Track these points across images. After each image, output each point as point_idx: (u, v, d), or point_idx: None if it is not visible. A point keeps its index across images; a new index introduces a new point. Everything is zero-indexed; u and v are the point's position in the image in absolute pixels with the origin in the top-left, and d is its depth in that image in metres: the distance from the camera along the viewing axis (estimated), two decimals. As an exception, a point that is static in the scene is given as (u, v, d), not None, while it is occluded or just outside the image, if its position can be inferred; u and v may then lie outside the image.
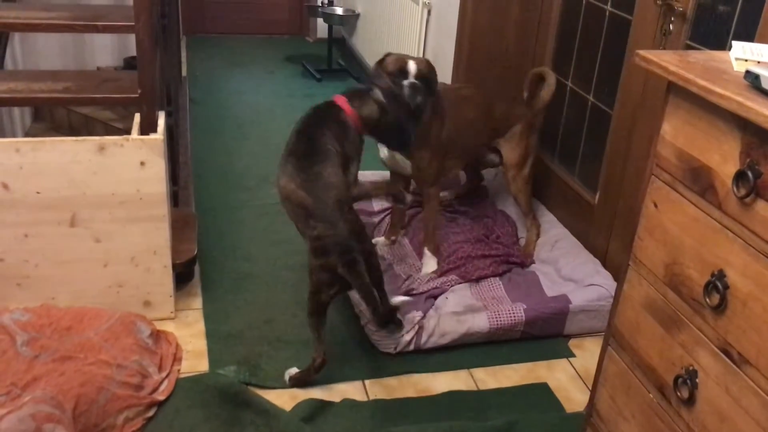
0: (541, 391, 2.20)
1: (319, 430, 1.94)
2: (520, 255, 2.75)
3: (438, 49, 3.47)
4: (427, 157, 2.54)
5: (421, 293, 2.47)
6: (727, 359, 1.07)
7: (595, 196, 2.76)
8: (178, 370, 2.13)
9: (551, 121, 3.12)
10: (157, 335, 2.21)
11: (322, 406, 2.03)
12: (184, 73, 4.57)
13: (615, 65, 2.59)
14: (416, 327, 2.30)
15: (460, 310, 2.40)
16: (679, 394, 1.16)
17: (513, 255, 2.73)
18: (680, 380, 1.15)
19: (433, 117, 2.51)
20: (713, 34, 2.11)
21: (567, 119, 3.00)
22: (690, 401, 1.14)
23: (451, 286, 2.54)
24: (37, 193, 2.10)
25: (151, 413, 1.97)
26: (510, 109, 2.78)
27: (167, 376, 2.09)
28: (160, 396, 2.02)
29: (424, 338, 2.32)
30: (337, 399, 2.08)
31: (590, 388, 1.47)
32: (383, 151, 2.63)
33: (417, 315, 2.34)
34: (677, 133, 1.16)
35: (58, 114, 3.98)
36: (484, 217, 3.00)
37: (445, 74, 3.36)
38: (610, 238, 2.63)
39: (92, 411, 1.87)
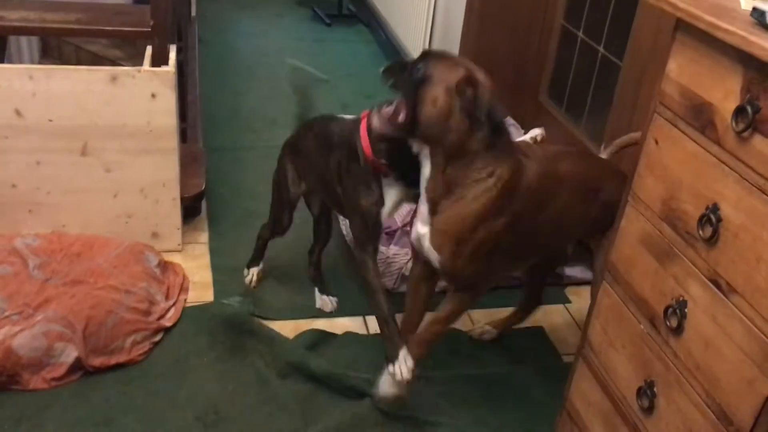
0: (537, 336, 2.26)
1: (321, 359, 2.00)
2: None
3: (448, 20, 3.45)
4: (464, 248, 1.61)
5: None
6: (715, 289, 1.11)
7: (601, 148, 2.77)
8: (185, 300, 2.19)
9: (561, 72, 3.13)
10: (165, 265, 2.27)
11: (325, 336, 2.10)
12: (193, 12, 4.55)
13: (627, 16, 2.58)
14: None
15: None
16: (668, 323, 1.21)
17: None
18: (670, 310, 1.20)
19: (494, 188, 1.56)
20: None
21: (576, 70, 3.00)
22: (678, 330, 1.19)
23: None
24: (50, 120, 2.13)
25: (158, 338, 2.04)
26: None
27: (174, 304, 2.15)
28: (166, 322, 2.08)
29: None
30: (339, 332, 2.15)
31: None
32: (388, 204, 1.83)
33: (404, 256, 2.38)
34: (682, 70, 1.18)
35: (67, 50, 3.97)
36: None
37: (455, 20, 3.35)
38: (612, 190, 2.67)
39: (101, 333, 1.93)
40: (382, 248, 2.35)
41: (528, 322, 2.28)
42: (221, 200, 2.74)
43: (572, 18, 3.00)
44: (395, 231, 2.54)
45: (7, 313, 1.91)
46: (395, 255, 2.37)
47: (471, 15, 3.20)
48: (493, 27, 3.19)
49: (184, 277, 2.28)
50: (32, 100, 2.10)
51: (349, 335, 2.14)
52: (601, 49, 2.80)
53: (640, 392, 1.29)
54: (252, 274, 2.31)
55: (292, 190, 2.16)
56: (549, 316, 2.35)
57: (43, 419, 1.75)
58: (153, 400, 1.85)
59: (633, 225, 1.33)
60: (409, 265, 2.34)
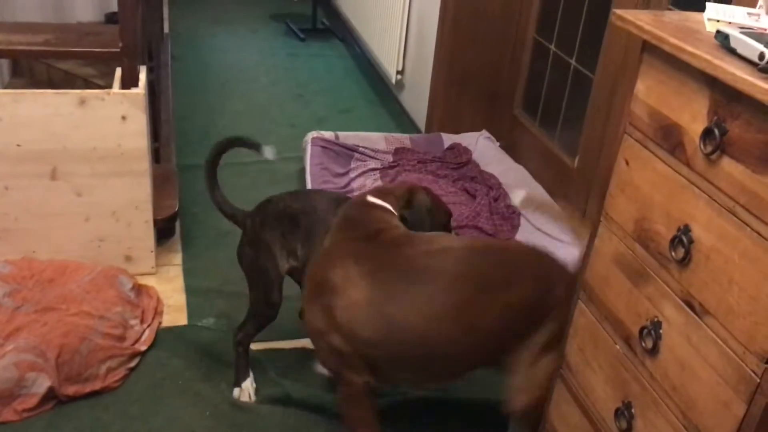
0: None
1: (297, 384, 1.98)
2: (506, 231, 2.72)
3: (423, 8, 3.45)
4: None
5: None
6: (689, 310, 1.11)
7: (575, 159, 2.79)
8: (159, 323, 2.16)
9: (534, 85, 3.15)
10: (139, 288, 2.23)
11: (302, 357, 2.08)
12: (166, 29, 4.52)
13: (598, 29, 2.61)
14: None
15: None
16: (643, 344, 1.20)
17: (501, 231, 2.70)
18: (645, 331, 1.20)
19: None
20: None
21: (549, 83, 3.02)
22: (654, 351, 1.19)
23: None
24: (18, 145, 2.10)
25: (133, 363, 2.01)
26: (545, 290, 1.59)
27: (148, 327, 2.12)
28: (141, 346, 2.05)
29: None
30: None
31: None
32: None
33: None
34: (650, 91, 1.19)
35: (38, 70, 3.92)
36: (467, 178, 3.03)
37: (429, 34, 3.35)
38: (588, 201, 2.68)
39: (75, 360, 1.90)
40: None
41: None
42: (195, 220, 2.71)
43: (544, 31, 3.02)
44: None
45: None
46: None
47: (444, 29, 3.21)
48: (467, 40, 3.20)
49: (159, 300, 2.25)
50: (-1, 125, 2.06)
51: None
52: (573, 62, 2.82)
53: (618, 413, 1.29)
54: (246, 389, 1.94)
55: (281, 266, 1.89)
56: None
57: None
58: (129, 426, 1.82)
59: (606, 245, 1.33)
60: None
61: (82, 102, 2.09)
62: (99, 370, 1.93)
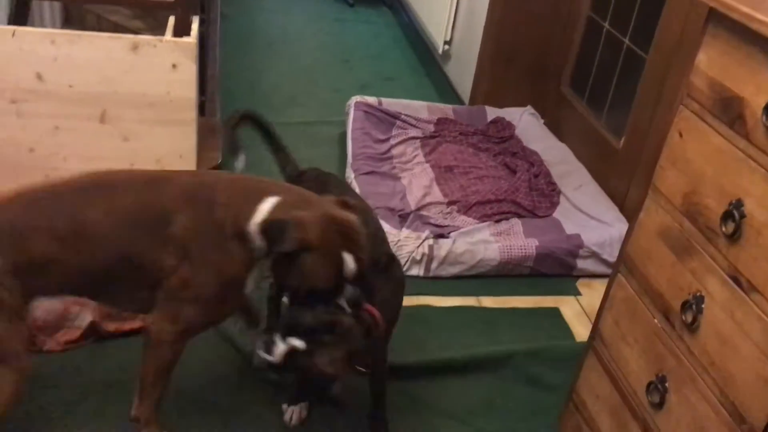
0: (551, 316, 2.27)
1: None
2: (545, 208, 2.69)
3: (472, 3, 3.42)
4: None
5: (436, 225, 2.50)
6: (735, 286, 1.09)
7: (620, 141, 2.75)
8: None
9: (584, 63, 3.10)
10: None
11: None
12: (217, -13, 4.52)
13: (655, 8, 2.55)
14: (425, 245, 2.33)
15: (473, 241, 2.43)
16: (683, 318, 1.19)
17: (539, 208, 2.69)
18: (686, 306, 1.19)
19: None
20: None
21: (600, 62, 2.97)
22: (693, 326, 1.18)
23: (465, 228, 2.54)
24: (70, 86, 2.13)
25: None
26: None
27: None
28: None
29: (434, 265, 2.36)
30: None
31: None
32: None
33: (426, 234, 2.37)
34: (712, 63, 1.16)
35: (89, 19, 3.97)
36: (508, 153, 3.00)
37: (480, 5, 3.31)
38: (630, 185, 2.64)
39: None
40: (393, 230, 2.35)
41: (544, 303, 2.32)
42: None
43: (599, 8, 2.96)
44: (408, 214, 2.53)
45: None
46: (407, 238, 2.36)
47: (496, 1, 3.16)
48: (518, 14, 3.16)
49: None
50: (53, 64, 2.09)
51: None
52: (626, 41, 2.76)
53: (650, 387, 1.28)
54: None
55: None
56: (559, 305, 2.34)
57: (58, 380, 1.77)
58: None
59: (651, 218, 1.31)
60: (421, 249, 2.34)
61: (135, 47, 2.11)
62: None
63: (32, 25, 3.34)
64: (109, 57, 2.11)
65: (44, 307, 1.84)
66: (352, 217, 1.39)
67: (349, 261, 1.33)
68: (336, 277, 1.34)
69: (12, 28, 2.13)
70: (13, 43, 2.06)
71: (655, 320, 1.29)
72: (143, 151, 2.26)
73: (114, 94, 2.16)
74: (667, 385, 1.25)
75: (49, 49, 2.08)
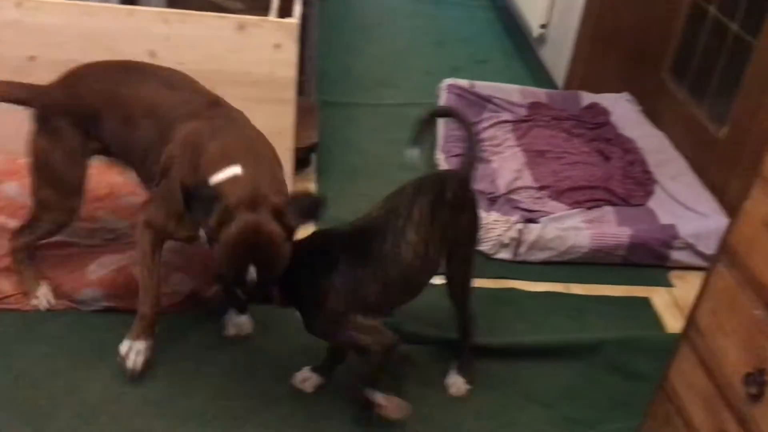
0: (642, 306, 2.24)
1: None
2: (639, 196, 2.64)
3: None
4: None
5: (526, 210, 2.49)
6: None
7: (721, 130, 2.66)
8: None
9: (686, 49, 3.00)
10: None
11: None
12: (314, -30, 4.60)
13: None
14: (513, 229, 2.33)
15: (564, 227, 2.42)
16: (787, 311, 1.17)
17: (633, 196, 2.64)
18: (791, 298, 1.16)
19: None
20: None
21: (705, 48, 2.86)
22: (798, 319, 1.15)
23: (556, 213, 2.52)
24: (180, 63, 2.23)
25: None
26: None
27: None
28: None
29: (522, 249, 2.36)
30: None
31: (685, 318, 1.49)
32: None
33: (515, 219, 2.37)
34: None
35: (192, 0, 4.13)
36: (603, 140, 2.95)
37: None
38: (731, 176, 2.55)
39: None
40: (482, 213, 2.36)
41: (634, 293, 2.29)
42: (330, 154, 2.81)
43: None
44: (498, 197, 2.54)
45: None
46: (495, 222, 2.37)
47: (595, -16, 3.10)
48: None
49: None
50: (165, 43, 2.21)
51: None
52: (734, 26, 2.65)
53: (748, 379, 1.26)
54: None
55: None
56: (649, 296, 2.30)
57: (162, 340, 1.87)
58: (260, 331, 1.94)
59: (758, 207, 1.28)
60: (509, 233, 2.34)
61: (241, 27, 2.20)
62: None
63: (140, 2, 3.52)
64: (217, 36, 2.21)
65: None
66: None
67: (252, 272, 1.40)
68: (237, 275, 1.41)
69: (128, 7, 2.26)
70: (129, 21, 2.19)
71: (757, 312, 1.26)
72: (245, 127, 2.35)
73: (220, 72, 2.25)
74: (766, 377, 1.22)
75: (162, 27, 2.19)
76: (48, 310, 1.92)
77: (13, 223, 2.02)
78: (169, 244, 1.86)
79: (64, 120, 1.75)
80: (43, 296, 1.92)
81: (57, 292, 1.94)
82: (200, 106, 1.70)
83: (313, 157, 2.72)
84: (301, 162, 2.64)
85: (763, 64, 2.43)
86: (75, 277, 1.97)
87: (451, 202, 1.68)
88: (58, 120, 1.76)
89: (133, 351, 1.73)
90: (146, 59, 2.21)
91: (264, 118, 2.33)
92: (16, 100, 1.77)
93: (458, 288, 1.79)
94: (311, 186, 2.60)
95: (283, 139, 2.39)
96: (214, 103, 1.75)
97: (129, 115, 1.70)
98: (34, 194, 1.83)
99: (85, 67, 1.81)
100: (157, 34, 2.19)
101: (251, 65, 2.25)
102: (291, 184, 2.47)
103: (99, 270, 1.98)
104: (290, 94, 2.32)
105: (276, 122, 2.35)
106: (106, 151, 1.81)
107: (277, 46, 2.23)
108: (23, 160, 2.26)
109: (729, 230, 1.36)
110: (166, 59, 2.22)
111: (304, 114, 2.66)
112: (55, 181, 1.79)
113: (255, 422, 1.71)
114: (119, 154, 1.79)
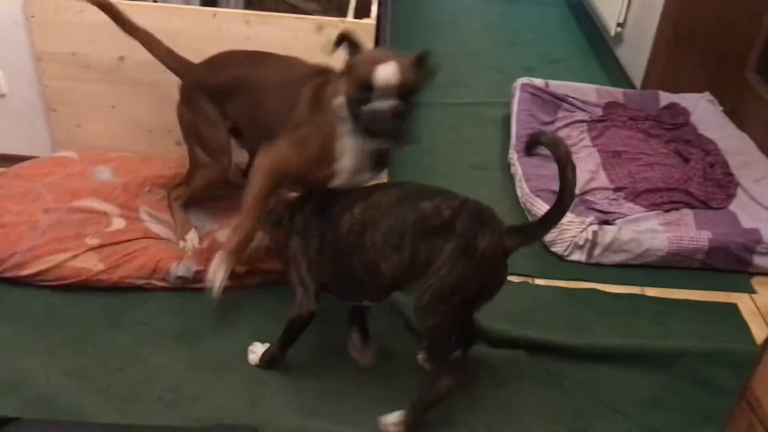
0: (726, 312, 2.18)
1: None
2: (720, 199, 2.56)
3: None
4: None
5: (601, 212, 2.45)
6: None
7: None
8: None
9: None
10: None
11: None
12: (387, -30, 4.64)
13: None
14: (588, 230, 2.30)
15: (640, 229, 2.37)
16: None
17: (713, 199, 2.56)
18: None
19: None
20: None
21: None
22: None
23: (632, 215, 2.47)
24: (261, 63, 2.30)
25: None
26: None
27: None
28: None
29: (597, 251, 2.33)
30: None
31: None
32: None
33: (590, 220, 2.33)
34: None
35: (268, 2, 4.22)
36: (682, 141, 2.87)
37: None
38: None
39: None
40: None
41: (720, 298, 2.23)
42: (403, 153, 2.81)
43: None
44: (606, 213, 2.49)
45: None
46: (570, 223, 2.34)
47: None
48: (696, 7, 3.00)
49: None
50: (247, 43, 2.27)
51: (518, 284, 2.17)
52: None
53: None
54: None
55: None
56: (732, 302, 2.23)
57: (235, 318, 1.96)
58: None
59: None
60: (584, 234, 2.31)
61: (320, 28, 2.24)
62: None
63: (219, 5, 3.62)
64: (296, 37, 2.26)
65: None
66: None
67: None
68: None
69: (213, 9, 2.33)
70: (213, 23, 2.26)
71: None
72: (321, 125, 2.40)
73: (298, 72, 2.31)
74: None
75: (244, 28, 2.26)
76: (156, 286, 2.05)
77: (105, 207, 2.15)
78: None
79: (204, 96, 2.03)
80: (190, 240, 2.16)
81: (154, 265, 2.04)
82: (313, 73, 1.91)
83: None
84: (378, 161, 2.67)
85: None
86: (174, 256, 2.07)
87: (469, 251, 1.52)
88: (198, 95, 2.04)
89: (218, 272, 1.85)
90: (228, 59, 2.29)
91: (341, 117, 2.38)
92: (171, 68, 2.09)
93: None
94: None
95: (357, 138, 2.42)
96: (323, 70, 1.92)
97: (257, 94, 1.93)
98: (189, 155, 2.13)
99: (225, 54, 2.07)
100: (239, 34, 2.26)
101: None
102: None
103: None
104: (366, 93, 2.35)
105: (352, 121, 2.39)
106: (234, 131, 2.07)
107: (355, 46, 2.26)
108: (114, 153, 2.39)
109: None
110: (247, 59, 2.29)
111: (377, 113, 2.69)
112: (203, 144, 2.08)
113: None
114: (247, 128, 2.03)
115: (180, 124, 2.12)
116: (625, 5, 3.51)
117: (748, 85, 2.99)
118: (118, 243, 2.05)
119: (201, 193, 2.19)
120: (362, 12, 2.35)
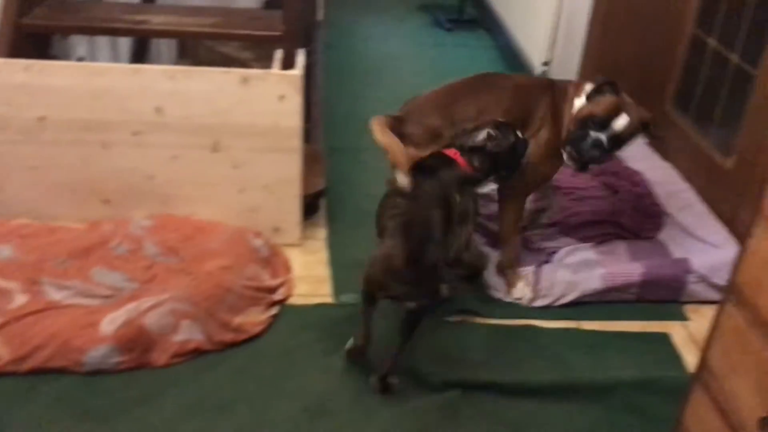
0: (659, 342, 2.22)
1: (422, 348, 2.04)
2: (649, 229, 2.64)
3: (573, 3, 3.39)
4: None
5: (537, 249, 2.49)
6: None
7: (728, 160, 2.65)
8: (291, 278, 2.32)
9: (688, 81, 3.01)
10: (268, 247, 2.38)
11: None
12: (320, 17, 4.70)
13: (766, 22, 2.45)
14: (530, 284, 2.34)
15: (574, 267, 2.40)
16: (798, 351, 1.15)
17: (643, 229, 2.63)
18: (801, 337, 1.14)
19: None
20: None
21: (707, 79, 2.87)
22: (809, 359, 1.13)
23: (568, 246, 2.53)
24: (186, 118, 2.28)
25: (274, 311, 2.16)
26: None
27: (283, 282, 2.27)
28: (278, 297, 2.21)
29: (536, 292, 2.35)
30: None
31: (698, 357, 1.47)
32: None
33: (529, 270, 2.37)
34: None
35: (201, 52, 4.20)
36: (609, 173, 2.94)
37: (579, 24, 3.28)
38: (740, 206, 2.53)
39: (223, 309, 2.07)
40: (495, 253, 2.37)
41: (650, 329, 2.27)
42: (338, 199, 2.82)
43: (704, 24, 2.88)
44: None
45: (132, 288, 2.09)
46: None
47: (596, 20, 3.13)
48: (618, 33, 3.11)
49: (286, 258, 2.40)
50: (171, 98, 2.26)
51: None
52: (734, 57, 2.67)
53: (764, 422, 1.23)
54: None
55: None
56: (665, 331, 2.27)
57: (162, 402, 1.87)
58: (262, 388, 1.93)
59: (762, 245, 1.27)
60: (540, 285, 2.33)
61: (245, 81, 2.24)
62: (245, 318, 2.10)
63: (150, 57, 3.60)
64: (222, 90, 2.25)
65: (157, 322, 1.96)
66: None
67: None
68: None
69: (135, 66, 2.31)
70: (135, 80, 2.24)
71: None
72: (252, 177, 2.39)
73: (226, 125, 2.30)
74: (781, 420, 1.20)
75: (168, 84, 2.24)
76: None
77: (10, 285, 2.06)
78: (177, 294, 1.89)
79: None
80: None
81: (64, 349, 1.94)
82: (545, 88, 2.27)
83: (323, 203, 2.73)
84: (310, 208, 2.66)
85: (765, 95, 2.42)
86: (86, 334, 1.97)
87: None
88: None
89: (520, 281, 2.30)
90: (153, 115, 2.27)
91: (271, 168, 2.38)
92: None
93: None
94: (322, 232, 2.61)
95: (290, 187, 2.42)
96: (550, 83, 2.30)
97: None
98: None
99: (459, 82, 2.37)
100: (163, 90, 2.24)
101: (256, 117, 2.29)
102: (300, 231, 2.50)
103: (110, 326, 1.98)
104: (296, 143, 2.35)
105: (283, 171, 2.39)
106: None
107: (282, 98, 2.27)
108: (15, 222, 2.30)
109: (735, 269, 1.35)
110: (172, 114, 2.27)
111: (311, 161, 2.69)
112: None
113: None
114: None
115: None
116: (549, 44, 3.61)
117: (667, 118, 3.10)
118: (19, 319, 1.97)
119: None
120: (292, 63, 2.36)
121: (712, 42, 2.81)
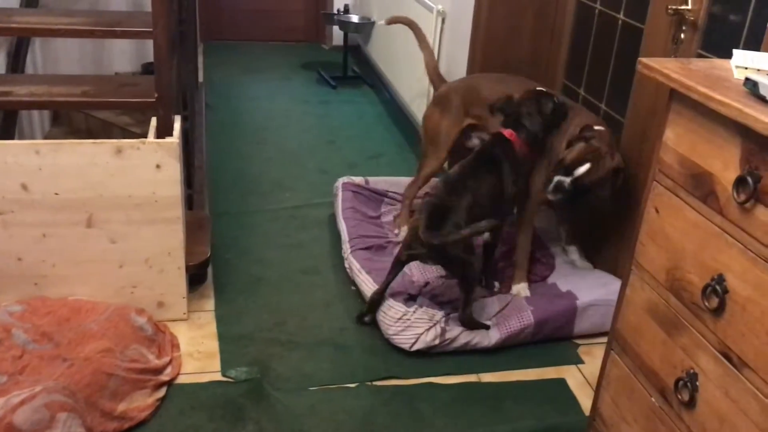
0: (556, 388, 2.24)
1: (320, 417, 1.97)
2: (541, 270, 2.72)
3: (452, 56, 3.50)
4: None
5: (446, 302, 2.49)
6: (726, 362, 1.08)
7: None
8: (179, 356, 2.19)
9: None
10: (152, 324, 2.25)
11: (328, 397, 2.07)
12: (200, 78, 4.63)
13: (627, 74, 2.61)
14: (436, 326, 2.32)
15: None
16: (679, 397, 1.17)
17: (535, 273, 2.71)
18: (681, 383, 1.17)
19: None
20: (724, 44, 2.12)
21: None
22: (691, 404, 1.15)
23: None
24: (56, 194, 2.15)
25: (161, 393, 2.02)
26: None
27: (170, 361, 2.15)
28: (165, 377, 2.07)
29: (441, 344, 2.34)
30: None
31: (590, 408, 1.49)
32: None
33: (438, 314, 2.36)
34: (680, 139, 1.18)
35: (77, 118, 4.04)
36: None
37: (460, 75, 3.37)
38: (619, 248, 2.64)
39: (105, 397, 1.92)
40: (401, 307, 2.35)
41: (547, 375, 2.29)
42: (227, 266, 2.73)
43: (573, 76, 3.03)
44: (416, 295, 2.50)
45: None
46: (418, 319, 2.34)
47: (473, 74, 3.23)
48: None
49: (172, 335, 2.28)
50: (38, 174, 2.12)
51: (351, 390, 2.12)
52: (602, 106, 2.81)
53: (654, 468, 1.25)
54: None
55: None
56: (561, 376, 2.30)
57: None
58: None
59: (638, 294, 1.30)
60: (432, 331, 2.31)
61: (119, 151, 2.14)
62: (130, 404, 1.96)
63: (21, 128, 3.41)
64: (94, 162, 2.14)
65: (29, 419, 1.79)
66: None
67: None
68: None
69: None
70: (-1, 155, 2.09)
71: (653, 399, 1.27)
72: (131, 251, 2.26)
73: (100, 198, 2.18)
74: (670, 466, 1.22)
75: (34, 159, 2.11)
76: None
77: None
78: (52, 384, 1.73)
79: (456, 100, 2.79)
80: (403, 232, 2.79)
81: None
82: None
83: (209, 272, 2.63)
84: (196, 278, 2.56)
85: (632, 143, 2.56)
86: None
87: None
88: (453, 99, 2.80)
89: (521, 290, 2.55)
90: (19, 192, 2.12)
91: (151, 240, 2.26)
92: (432, 80, 3.04)
93: None
94: (209, 303, 2.51)
95: (173, 259, 2.31)
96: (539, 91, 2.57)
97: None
98: (423, 154, 2.94)
99: (477, 74, 2.97)
100: (29, 166, 2.10)
101: (133, 188, 2.18)
102: (186, 305, 2.39)
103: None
104: (177, 212, 2.25)
105: (164, 243, 2.28)
106: (472, 126, 2.80)
107: (159, 166, 2.18)
108: None
109: (616, 318, 1.38)
110: (39, 190, 2.14)
111: (195, 229, 2.59)
112: (434, 139, 2.83)
113: None
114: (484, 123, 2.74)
115: (424, 128, 2.91)
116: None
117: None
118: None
119: (428, 180, 2.91)
120: (168, 130, 2.28)
121: (581, 92, 2.96)
